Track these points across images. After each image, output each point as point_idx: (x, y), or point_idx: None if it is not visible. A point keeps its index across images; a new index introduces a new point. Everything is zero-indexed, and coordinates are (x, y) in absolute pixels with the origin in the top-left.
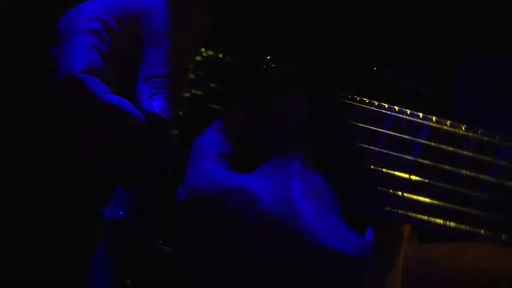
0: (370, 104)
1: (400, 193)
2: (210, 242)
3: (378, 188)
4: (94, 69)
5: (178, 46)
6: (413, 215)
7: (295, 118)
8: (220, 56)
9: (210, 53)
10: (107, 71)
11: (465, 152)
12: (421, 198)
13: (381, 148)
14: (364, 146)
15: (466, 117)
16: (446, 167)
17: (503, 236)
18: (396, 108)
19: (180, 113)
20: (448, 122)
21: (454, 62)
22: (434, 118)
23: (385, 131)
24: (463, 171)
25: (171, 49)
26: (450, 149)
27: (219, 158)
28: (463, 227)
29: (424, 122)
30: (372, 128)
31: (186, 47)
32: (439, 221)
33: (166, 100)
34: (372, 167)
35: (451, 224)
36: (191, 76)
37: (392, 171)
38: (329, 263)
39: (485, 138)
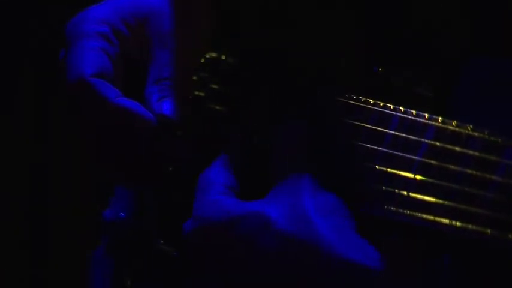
0: (375, 104)
1: (405, 193)
2: (220, 275)
3: (383, 188)
4: (104, 72)
5: (186, 48)
6: (419, 214)
7: (296, 139)
8: (223, 57)
9: (213, 54)
10: (115, 75)
11: (471, 152)
12: (427, 198)
13: (386, 148)
14: (369, 146)
15: (467, 117)
16: (452, 166)
17: (510, 236)
18: (402, 108)
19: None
20: (454, 122)
21: (455, 62)
22: (440, 118)
23: (391, 131)
24: (469, 171)
25: (179, 51)
26: (456, 148)
27: (226, 189)
28: (470, 226)
29: (430, 122)
30: (377, 128)
31: (194, 48)
32: (445, 220)
33: (175, 102)
34: (376, 167)
35: (457, 223)
36: (194, 77)
37: (397, 171)
38: (352, 279)
39: (491, 138)
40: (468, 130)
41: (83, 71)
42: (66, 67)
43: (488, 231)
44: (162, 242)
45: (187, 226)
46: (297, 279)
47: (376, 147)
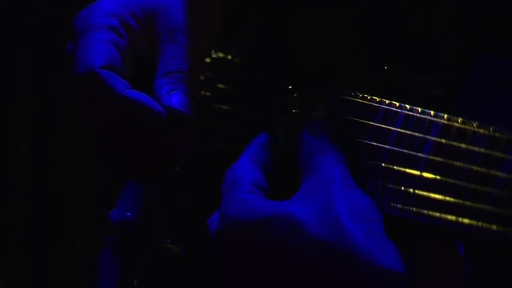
0: (380, 102)
1: (411, 190)
2: (246, 277)
3: (389, 185)
4: (113, 64)
5: (194, 42)
6: (425, 212)
7: (324, 139)
8: (229, 57)
9: (220, 54)
10: (124, 67)
11: (477, 149)
12: (432, 195)
13: (392, 146)
14: (375, 144)
15: (473, 115)
16: (457, 163)
17: None
18: (407, 106)
19: None
20: (460, 119)
21: (461, 61)
22: (445, 116)
23: (396, 129)
24: (475, 168)
25: (187, 45)
26: (462, 145)
27: (253, 187)
28: (476, 223)
29: (436, 119)
30: (383, 126)
31: (202, 44)
32: (452, 217)
33: (185, 95)
34: (382, 164)
35: (464, 220)
36: (201, 77)
37: (403, 169)
38: (383, 284)
39: (496, 134)
40: (474, 127)
41: (92, 63)
42: (74, 59)
43: (495, 227)
44: (168, 241)
45: (213, 224)
46: (326, 283)
47: (382, 145)
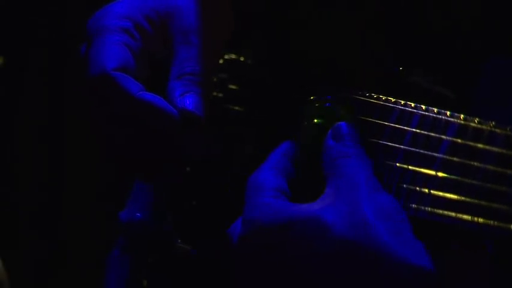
0: (396, 103)
1: (426, 190)
2: (271, 281)
3: (404, 185)
4: (126, 67)
5: (208, 44)
6: (440, 211)
7: (349, 144)
8: (242, 59)
9: (232, 56)
10: (138, 70)
11: (493, 148)
12: (448, 195)
13: (407, 146)
14: (390, 144)
15: (487, 117)
16: (474, 163)
17: None
18: (423, 107)
19: None
20: (476, 119)
21: (475, 62)
22: (462, 116)
23: (412, 129)
24: (491, 167)
25: (201, 47)
26: (479, 145)
27: (277, 192)
28: (492, 222)
29: (452, 119)
30: (398, 126)
31: (215, 45)
32: (467, 217)
33: (198, 97)
34: (397, 164)
35: (479, 220)
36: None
37: (418, 169)
38: (412, 283)
39: None
40: (490, 127)
41: (105, 65)
42: (88, 61)
43: (511, 226)
44: (179, 241)
45: (237, 229)
46: (354, 284)
47: (397, 145)
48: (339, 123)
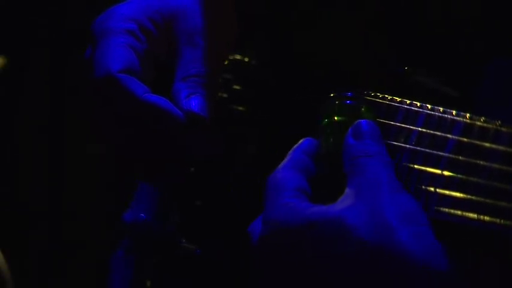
0: (401, 102)
1: (432, 189)
2: (292, 282)
3: (409, 184)
4: (131, 68)
5: (213, 46)
6: (446, 210)
7: (369, 142)
8: (246, 59)
9: (237, 56)
10: (143, 71)
11: (499, 147)
12: (454, 194)
13: (413, 145)
14: (395, 143)
15: (490, 117)
16: (480, 162)
17: None
18: (429, 106)
19: None
20: (482, 118)
21: (478, 63)
22: (468, 115)
23: (418, 128)
24: (497, 166)
25: (206, 49)
26: (485, 144)
27: (298, 192)
28: (498, 221)
29: (458, 118)
30: (404, 125)
31: (220, 47)
32: (473, 215)
33: (204, 99)
34: (403, 163)
35: (485, 218)
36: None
37: (424, 168)
38: (435, 286)
39: None
40: (496, 125)
41: (111, 67)
42: (93, 63)
43: None
44: (184, 241)
45: (254, 231)
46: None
47: (403, 145)
48: (360, 121)
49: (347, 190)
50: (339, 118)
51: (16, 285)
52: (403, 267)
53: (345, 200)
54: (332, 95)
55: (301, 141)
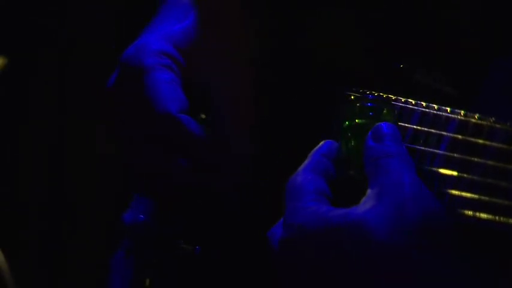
0: (396, 100)
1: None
2: (313, 285)
3: None
4: (184, 106)
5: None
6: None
7: (391, 144)
8: None
9: None
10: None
11: (494, 144)
12: (450, 191)
13: (408, 143)
14: None
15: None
16: (475, 159)
17: None
18: (423, 103)
19: (203, 116)
20: (476, 116)
21: (479, 62)
22: (462, 112)
23: (412, 126)
24: (492, 163)
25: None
26: (479, 141)
27: (318, 196)
28: (493, 217)
29: (452, 115)
30: (399, 123)
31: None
32: (469, 212)
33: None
34: None
35: (481, 215)
36: None
37: (420, 166)
38: None
39: None
40: (490, 122)
41: (169, 107)
42: (142, 100)
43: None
44: (182, 241)
45: (274, 236)
46: None
47: None
48: (380, 123)
49: (369, 191)
50: (360, 121)
51: (16, 285)
52: (421, 274)
53: (367, 201)
54: (352, 97)
55: (320, 143)
